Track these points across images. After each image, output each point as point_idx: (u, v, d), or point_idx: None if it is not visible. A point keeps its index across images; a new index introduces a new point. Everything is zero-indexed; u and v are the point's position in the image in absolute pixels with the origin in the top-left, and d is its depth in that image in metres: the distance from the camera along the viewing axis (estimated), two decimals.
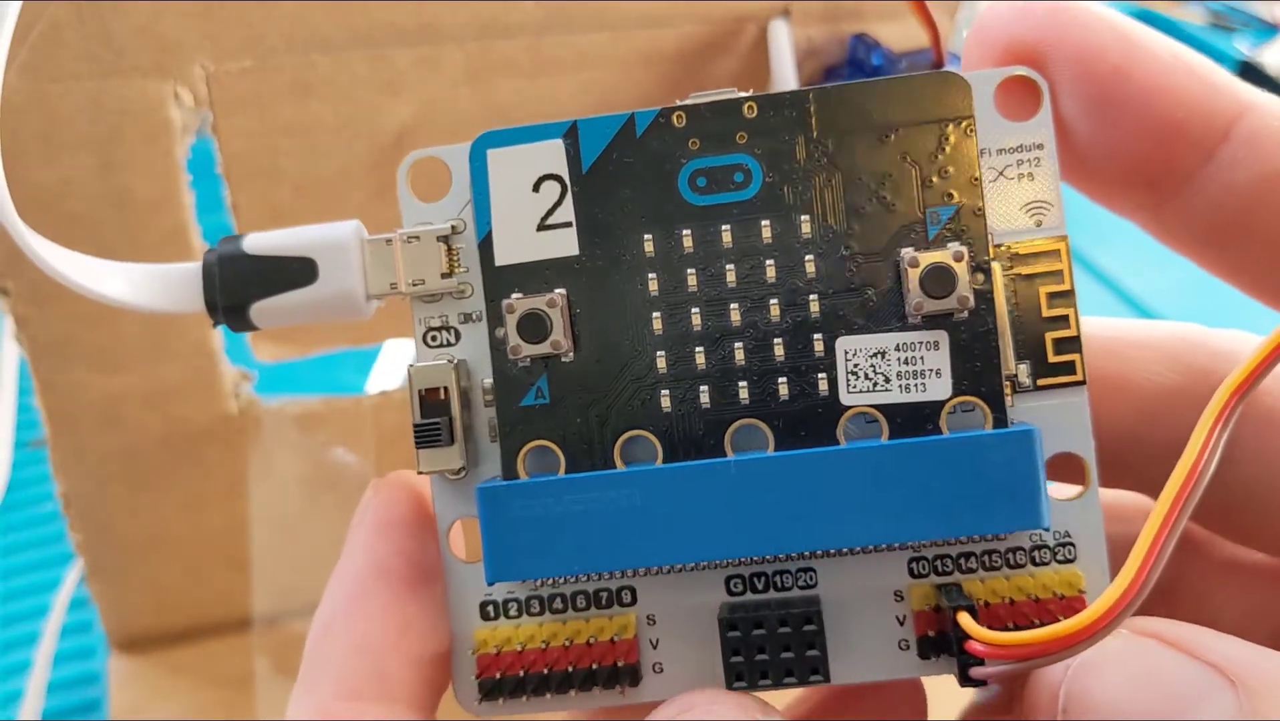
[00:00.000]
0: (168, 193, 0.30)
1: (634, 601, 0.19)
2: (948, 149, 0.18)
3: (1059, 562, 0.18)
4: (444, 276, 0.19)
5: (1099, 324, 0.20)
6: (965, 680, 0.17)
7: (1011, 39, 0.18)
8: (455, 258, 0.19)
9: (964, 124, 0.18)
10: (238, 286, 0.19)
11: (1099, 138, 0.18)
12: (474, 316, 0.19)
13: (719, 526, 0.17)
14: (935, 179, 0.18)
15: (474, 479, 0.19)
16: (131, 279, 0.19)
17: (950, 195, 0.18)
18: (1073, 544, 0.18)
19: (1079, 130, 0.18)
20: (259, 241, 0.19)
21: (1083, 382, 0.18)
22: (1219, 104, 0.18)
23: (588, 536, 0.17)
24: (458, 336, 0.19)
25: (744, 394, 0.18)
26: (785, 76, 0.32)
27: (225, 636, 0.38)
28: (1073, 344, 0.18)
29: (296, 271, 0.19)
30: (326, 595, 0.19)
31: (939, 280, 0.17)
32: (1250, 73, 0.68)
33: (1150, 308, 0.54)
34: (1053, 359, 0.18)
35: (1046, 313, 0.18)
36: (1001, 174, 0.18)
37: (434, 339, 0.19)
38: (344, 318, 0.19)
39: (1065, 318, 0.18)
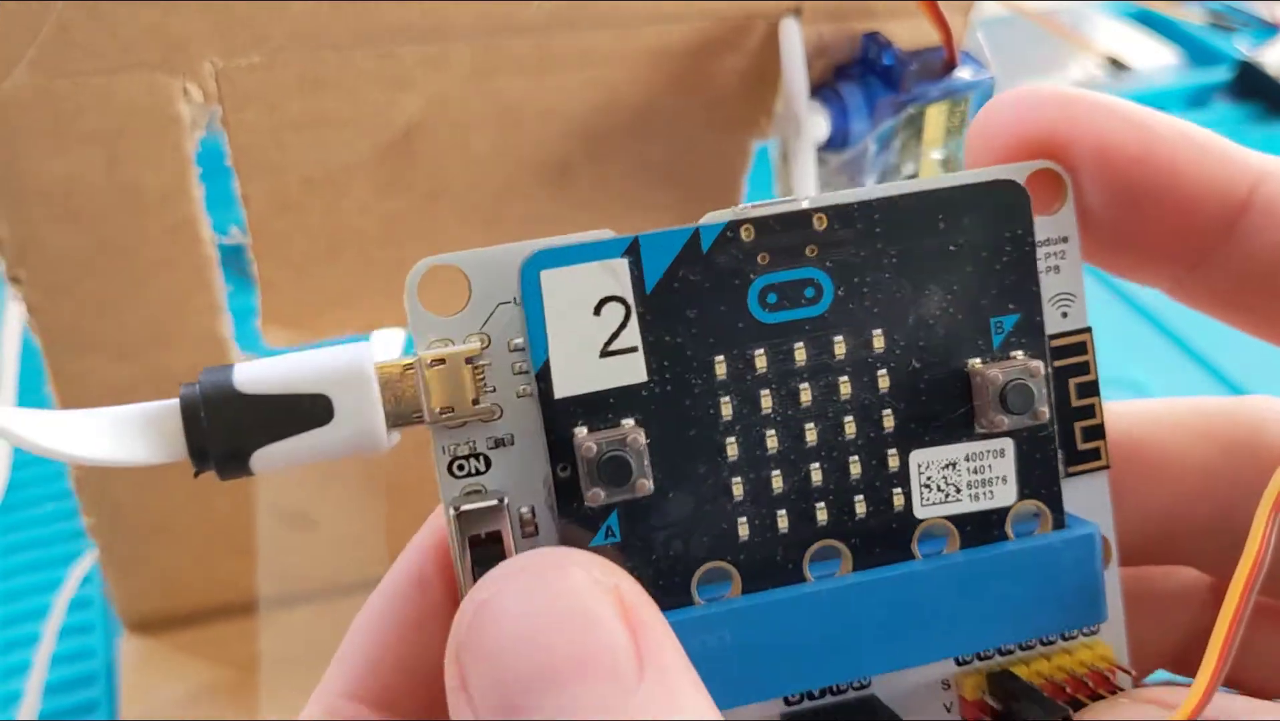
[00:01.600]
0: (177, 187, 0.30)
1: None
2: (1008, 257, 0.18)
3: (1084, 635, 0.19)
4: (474, 402, 0.17)
5: (1121, 407, 0.21)
6: None
7: (1026, 129, 0.18)
8: (481, 379, 0.17)
9: (1023, 233, 0.18)
10: (235, 431, 0.16)
11: (1121, 223, 0.18)
12: (506, 441, 0.17)
13: (806, 654, 0.17)
14: (996, 289, 0.18)
15: None
16: (98, 426, 0.17)
17: (1010, 304, 0.18)
18: (1102, 619, 0.19)
19: (1100, 217, 0.19)
20: (253, 377, 0.16)
21: (1107, 467, 0.19)
22: (1235, 177, 0.18)
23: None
24: (487, 464, 0.17)
25: (822, 515, 0.18)
26: (796, 76, 0.32)
27: (232, 619, 0.39)
28: (1098, 431, 0.19)
29: (308, 411, 0.16)
30: (371, 594, 0.19)
31: (1021, 397, 0.17)
32: (1250, 72, 0.67)
33: (1154, 311, 0.53)
34: (1081, 446, 0.19)
35: (1075, 403, 0.18)
36: (1038, 272, 0.18)
37: (460, 468, 0.17)
38: (361, 453, 0.17)
39: (1091, 407, 0.19)
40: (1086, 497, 0.19)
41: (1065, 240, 0.18)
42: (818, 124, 0.32)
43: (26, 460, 0.44)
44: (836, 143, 0.33)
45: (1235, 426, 0.20)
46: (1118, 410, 0.21)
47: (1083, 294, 0.18)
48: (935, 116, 0.33)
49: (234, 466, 0.16)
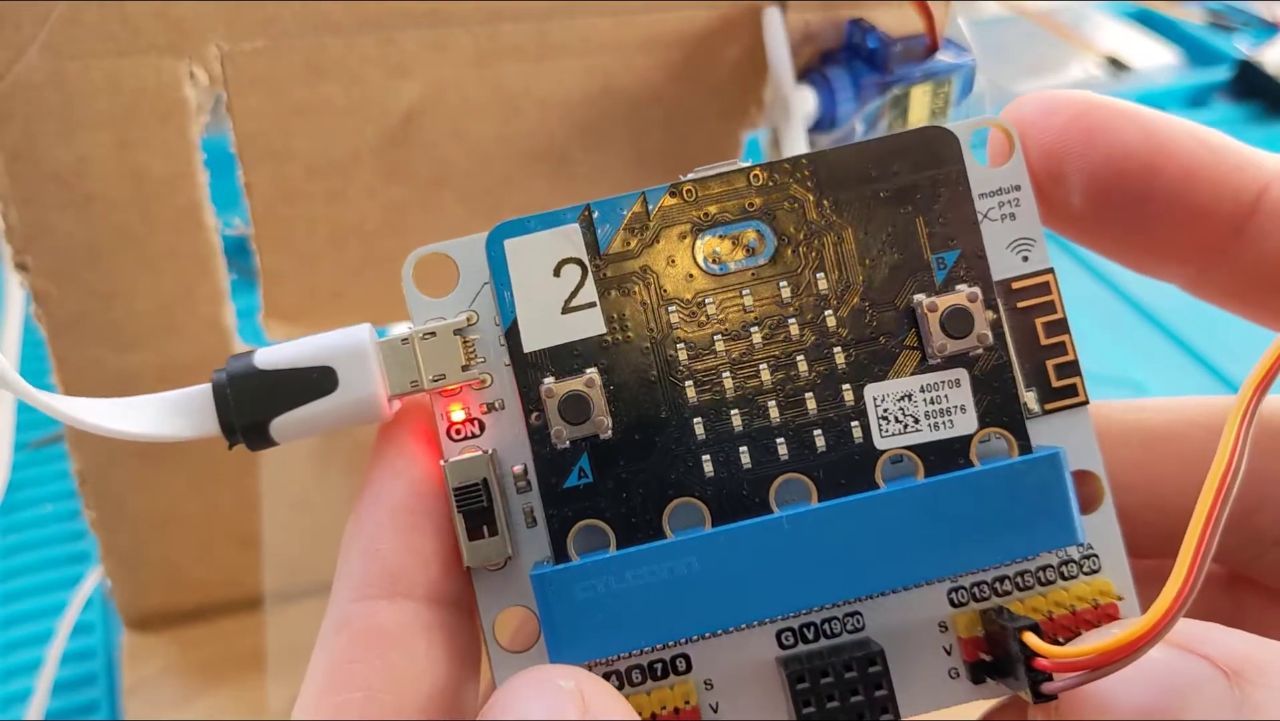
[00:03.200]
0: (183, 170, 0.31)
1: (689, 668, 0.19)
2: (944, 198, 0.19)
3: (1085, 575, 0.19)
4: (464, 369, 0.19)
5: (1146, 402, 0.22)
6: (1038, 696, 0.18)
7: (1043, 134, 0.19)
8: (471, 349, 0.19)
9: (956, 173, 0.19)
10: (255, 404, 0.19)
11: (1135, 226, 0.19)
12: (496, 405, 0.19)
13: (778, 581, 0.18)
14: (936, 227, 0.19)
15: (514, 568, 0.19)
16: (145, 412, 0.19)
17: (952, 240, 0.19)
18: (1096, 555, 0.19)
19: (1115, 220, 0.20)
20: (269, 356, 0.19)
21: (1085, 403, 0.19)
22: (1245, 180, 0.19)
23: (652, 608, 0.18)
24: (481, 427, 0.19)
25: (783, 450, 0.19)
26: (781, 60, 0.33)
27: (237, 614, 0.39)
28: (1072, 368, 0.20)
29: (316, 382, 0.19)
30: (350, 517, 0.19)
31: (959, 321, 0.19)
32: (1250, 72, 0.68)
33: (1154, 311, 0.54)
34: (1056, 384, 0.19)
35: (1044, 341, 0.20)
36: (985, 216, 0.19)
37: (458, 432, 0.19)
38: (366, 421, 0.19)
39: (1062, 344, 0.19)
40: (1068, 434, 0.19)
41: (1018, 188, 0.19)
42: (806, 100, 0.33)
43: (27, 460, 0.44)
44: (825, 124, 0.34)
45: (1257, 421, 0.21)
46: (1137, 404, 0.22)
47: (1042, 238, 0.19)
48: (920, 97, 0.34)
49: (257, 436, 0.19)
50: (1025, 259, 0.19)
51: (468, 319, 0.19)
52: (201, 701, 0.37)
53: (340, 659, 0.18)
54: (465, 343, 0.19)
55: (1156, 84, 0.69)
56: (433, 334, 0.19)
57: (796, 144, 0.33)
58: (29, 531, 0.44)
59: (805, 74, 0.34)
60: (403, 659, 0.18)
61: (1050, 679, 0.17)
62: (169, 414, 0.19)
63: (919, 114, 0.34)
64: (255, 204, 0.33)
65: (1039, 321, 0.19)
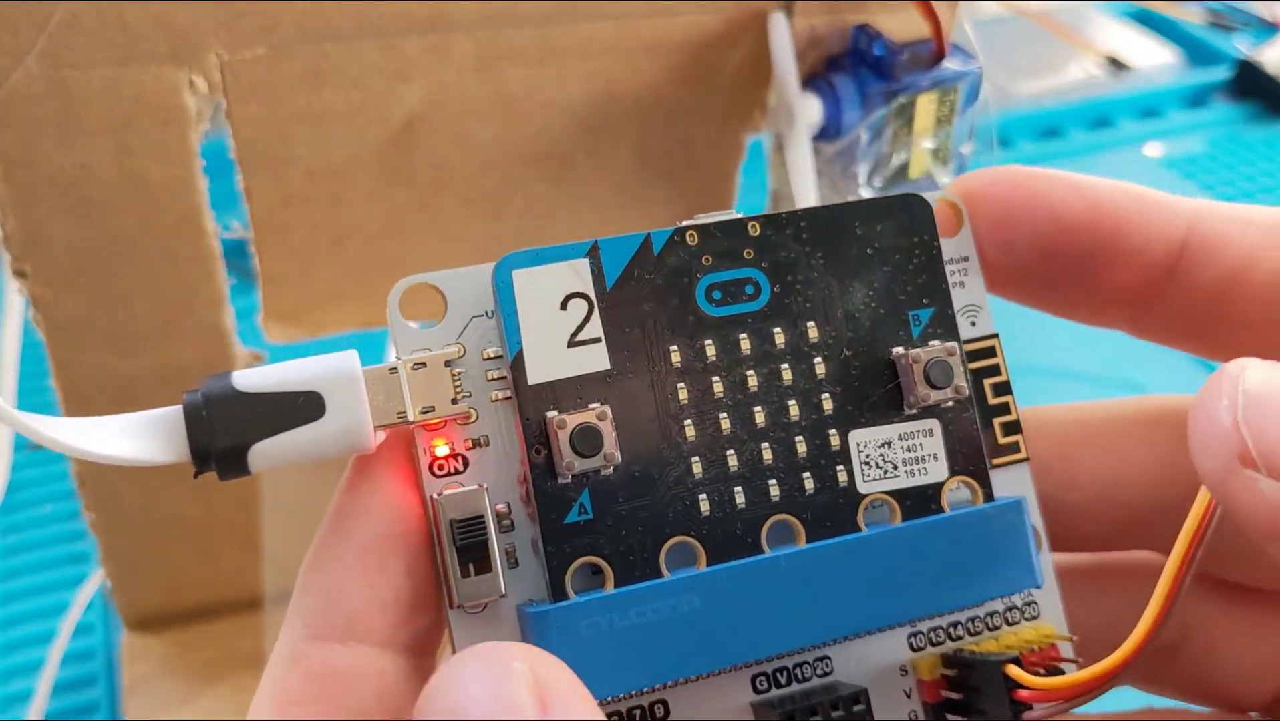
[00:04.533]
0: (182, 178, 0.31)
1: (667, 714, 0.19)
2: (919, 259, 0.20)
3: (1028, 620, 0.20)
4: (453, 402, 0.18)
5: (1082, 403, 0.23)
6: None
7: (988, 208, 0.21)
8: (459, 382, 0.19)
9: (929, 237, 0.20)
10: (234, 427, 0.18)
11: (1078, 280, 0.21)
12: (481, 441, 0.19)
13: (773, 620, 0.18)
14: (912, 285, 0.20)
15: (493, 609, 0.19)
16: (110, 432, 0.18)
17: (924, 300, 0.20)
18: (1035, 601, 0.21)
19: (1059, 278, 0.21)
20: (250, 379, 0.18)
21: (1026, 459, 0.21)
22: (1172, 221, 0.20)
23: (654, 647, 0.18)
24: (465, 464, 0.19)
25: (775, 491, 0.19)
26: (786, 67, 0.33)
27: (237, 615, 0.39)
28: (1015, 426, 0.21)
29: (302, 407, 0.18)
30: (313, 545, 0.19)
31: (940, 372, 0.20)
32: (1250, 72, 0.68)
33: None
34: (1001, 440, 0.21)
35: (991, 401, 0.21)
36: (945, 273, 0.20)
37: (440, 468, 0.19)
38: (349, 451, 0.18)
39: (1006, 404, 0.21)
40: (1010, 488, 0.21)
41: (966, 259, 0.21)
42: (811, 108, 0.33)
43: (27, 461, 0.44)
44: (830, 132, 0.34)
45: (1169, 417, 0.22)
46: (1078, 406, 0.23)
47: (986, 305, 0.21)
48: (925, 106, 0.34)
49: (233, 462, 0.18)
50: (973, 324, 0.21)
51: (457, 351, 0.19)
52: (201, 702, 0.37)
53: (289, 697, 0.18)
54: (454, 375, 0.19)
55: (1156, 84, 0.69)
56: (423, 364, 0.18)
57: (801, 152, 0.33)
58: (29, 532, 0.44)
59: (810, 80, 0.34)
60: (353, 704, 0.18)
61: (1030, 709, 0.19)
62: (137, 435, 0.18)
63: (924, 122, 0.34)
64: (255, 208, 0.33)
65: (986, 382, 0.21)
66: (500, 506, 0.19)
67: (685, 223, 0.19)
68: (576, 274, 0.19)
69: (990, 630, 0.20)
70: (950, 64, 0.34)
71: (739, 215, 0.19)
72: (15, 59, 0.28)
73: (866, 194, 0.34)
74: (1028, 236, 0.21)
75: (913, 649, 0.20)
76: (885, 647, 0.20)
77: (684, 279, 0.19)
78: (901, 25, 0.34)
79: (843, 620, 0.19)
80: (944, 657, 0.20)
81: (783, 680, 0.19)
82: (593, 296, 0.19)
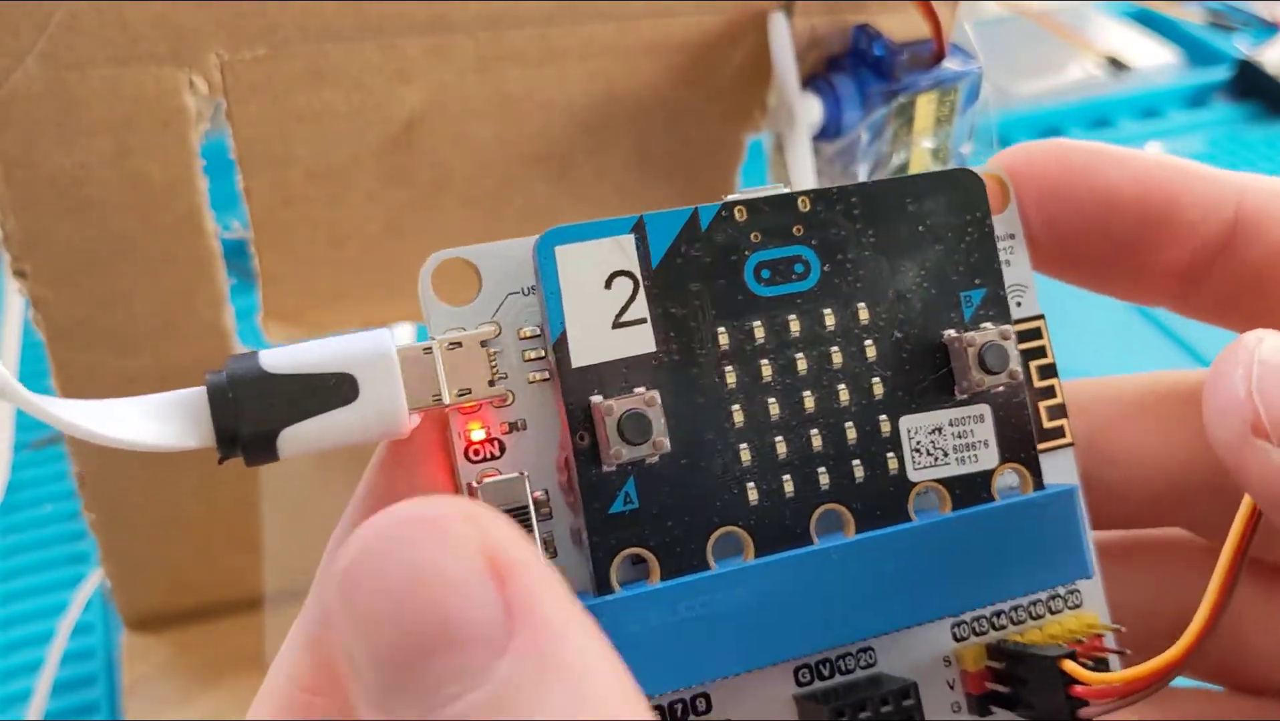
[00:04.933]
0: (182, 178, 0.31)
1: (709, 709, 0.18)
2: (971, 238, 0.19)
3: (1070, 609, 0.20)
4: (490, 384, 0.17)
5: (1112, 380, 0.22)
6: None
7: (1033, 185, 0.20)
8: (494, 363, 0.18)
9: (982, 215, 0.19)
10: (264, 411, 0.16)
11: (1127, 257, 0.20)
12: (518, 425, 0.18)
13: (824, 614, 0.18)
14: (964, 265, 0.19)
15: None
16: (127, 415, 0.17)
17: (977, 280, 0.19)
18: (1078, 590, 0.20)
19: (1107, 255, 0.20)
20: (278, 359, 0.17)
21: (1071, 444, 0.20)
22: (1222, 196, 0.20)
23: (702, 642, 0.17)
24: (502, 449, 0.18)
25: (824, 479, 0.18)
26: (786, 67, 0.33)
27: (237, 615, 0.39)
28: (1060, 410, 0.20)
29: (334, 389, 0.17)
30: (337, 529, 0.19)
31: (996, 356, 0.19)
32: (1250, 72, 0.68)
33: (1155, 312, 0.54)
34: (1047, 424, 0.20)
35: (1038, 384, 0.20)
36: (999, 252, 0.20)
37: (476, 453, 0.18)
38: (382, 436, 0.17)
39: (1052, 387, 0.20)
40: (1055, 474, 0.20)
41: (1013, 236, 0.20)
42: (811, 109, 0.33)
43: (27, 461, 0.44)
44: (830, 132, 0.34)
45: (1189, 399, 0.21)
46: (1112, 381, 0.22)
47: (1033, 285, 0.20)
48: (925, 106, 0.34)
49: (261, 447, 0.16)
50: (1019, 304, 0.20)
51: (493, 330, 0.18)
52: (201, 702, 0.37)
53: (301, 684, 0.18)
54: (490, 355, 0.18)
55: (1156, 84, 0.69)
56: (458, 344, 0.17)
57: (801, 152, 0.33)
58: (29, 531, 0.43)
59: (810, 80, 0.34)
60: None
61: (1086, 704, 0.18)
62: (154, 418, 0.17)
63: (924, 122, 0.34)
64: (255, 208, 0.33)
65: (1033, 365, 0.20)
66: (538, 494, 0.18)
67: (733, 196, 0.18)
68: (622, 250, 0.18)
69: (1034, 619, 0.20)
70: (950, 64, 0.34)
71: (789, 189, 0.19)
72: (15, 59, 0.28)
73: None
74: (1076, 213, 0.20)
75: (956, 639, 0.19)
76: (929, 638, 0.19)
77: (732, 256, 0.18)
78: (901, 25, 0.34)
79: (894, 613, 0.18)
80: (989, 648, 0.19)
81: (826, 672, 0.19)
82: (638, 274, 0.18)
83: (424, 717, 0.12)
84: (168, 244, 0.32)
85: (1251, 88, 0.68)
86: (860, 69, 0.33)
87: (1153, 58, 0.71)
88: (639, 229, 0.18)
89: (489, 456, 0.18)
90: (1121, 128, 0.66)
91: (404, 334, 0.44)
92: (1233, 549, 0.17)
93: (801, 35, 0.34)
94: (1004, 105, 0.65)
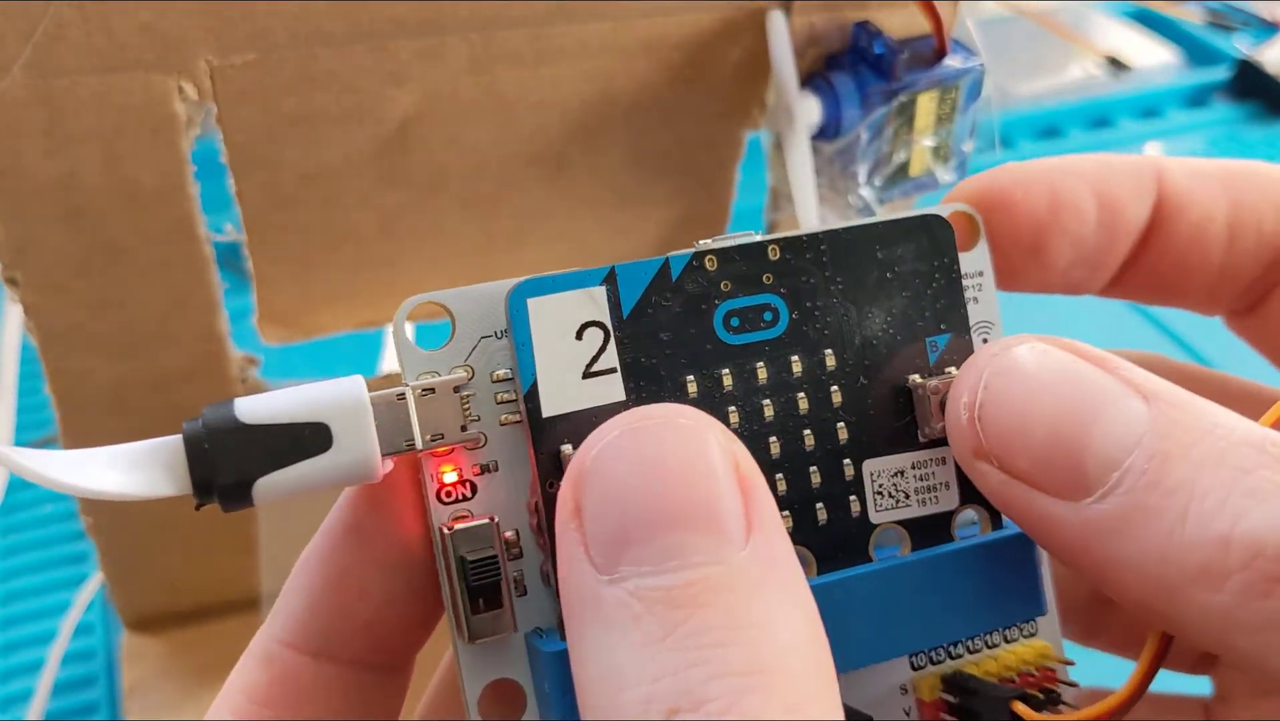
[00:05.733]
0: (173, 185, 0.30)
1: None
2: (938, 284, 0.20)
3: (1025, 637, 0.20)
4: (462, 429, 0.18)
5: None
6: None
7: (1020, 219, 0.21)
8: (468, 407, 0.18)
9: (949, 261, 0.20)
10: (239, 461, 0.17)
11: (1097, 259, 0.21)
12: (490, 467, 0.18)
13: None
14: (930, 311, 0.20)
15: (504, 640, 0.18)
16: (103, 465, 0.17)
17: (942, 325, 0.20)
18: (1034, 620, 0.20)
19: (1082, 263, 0.21)
20: (252, 408, 0.17)
21: None
22: (1145, 183, 0.21)
23: None
24: (473, 490, 0.18)
25: (788, 523, 0.19)
26: (785, 66, 0.33)
27: (235, 616, 0.39)
28: None
29: (308, 439, 0.17)
30: (310, 542, 0.19)
31: None
32: (1249, 72, 0.68)
33: (1157, 314, 0.54)
34: None
35: None
36: (965, 297, 0.20)
37: (448, 495, 0.18)
38: (356, 482, 0.18)
39: None
40: None
41: (981, 274, 0.20)
42: (810, 109, 0.32)
43: None
44: (829, 132, 0.33)
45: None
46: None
47: (999, 322, 0.20)
48: (926, 104, 0.33)
49: (237, 496, 0.17)
50: (985, 340, 0.20)
51: (466, 374, 0.18)
52: (201, 702, 0.37)
53: (255, 696, 0.19)
54: (463, 400, 0.18)
55: (1156, 84, 0.69)
56: (431, 390, 0.18)
57: (800, 153, 0.33)
58: (29, 532, 0.43)
59: (809, 79, 0.33)
60: (313, 715, 0.18)
61: None
62: (133, 467, 0.17)
63: (924, 121, 0.33)
64: (247, 211, 0.33)
65: None
66: (509, 534, 0.18)
67: (704, 245, 0.19)
68: (593, 301, 0.18)
69: (990, 648, 0.20)
70: (952, 61, 0.33)
71: (759, 237, 0.19)
72: (1, 69, 0.27)
73: (866, 193, 0.34)
74: (1062, 241, 0.20)
75: (914, 667, 0.20)
76: (887, 666, 0.19)
77: (702, 305, 0.19)
78: (902, 22, 0.34)
79: (851, 653, 0.18)
80: (944, 680, 0.20)
81: None
82: (609, 325, 0.18)
83: (651, 574, 0.14)
84: (160, 250, 0.31)
85: (1251, 88, 0.68)
86: (860, 67, 0.33)
87: (1153, 58, 0.71)
88: (610, 280, 0.18)
89: (461, 497, 0.18)
90: (1121, 128, 0.66)
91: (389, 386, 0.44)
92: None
93: (800, 33, 0.33)
94: (1004, 105, 0.64)
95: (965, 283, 0.20)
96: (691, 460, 0.15)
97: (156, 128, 0.29)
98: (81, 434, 0.34)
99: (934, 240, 0.19)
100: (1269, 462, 0.15)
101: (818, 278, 0.19)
